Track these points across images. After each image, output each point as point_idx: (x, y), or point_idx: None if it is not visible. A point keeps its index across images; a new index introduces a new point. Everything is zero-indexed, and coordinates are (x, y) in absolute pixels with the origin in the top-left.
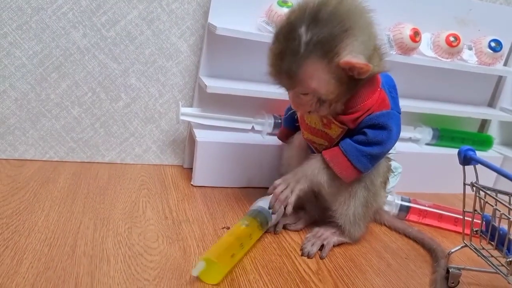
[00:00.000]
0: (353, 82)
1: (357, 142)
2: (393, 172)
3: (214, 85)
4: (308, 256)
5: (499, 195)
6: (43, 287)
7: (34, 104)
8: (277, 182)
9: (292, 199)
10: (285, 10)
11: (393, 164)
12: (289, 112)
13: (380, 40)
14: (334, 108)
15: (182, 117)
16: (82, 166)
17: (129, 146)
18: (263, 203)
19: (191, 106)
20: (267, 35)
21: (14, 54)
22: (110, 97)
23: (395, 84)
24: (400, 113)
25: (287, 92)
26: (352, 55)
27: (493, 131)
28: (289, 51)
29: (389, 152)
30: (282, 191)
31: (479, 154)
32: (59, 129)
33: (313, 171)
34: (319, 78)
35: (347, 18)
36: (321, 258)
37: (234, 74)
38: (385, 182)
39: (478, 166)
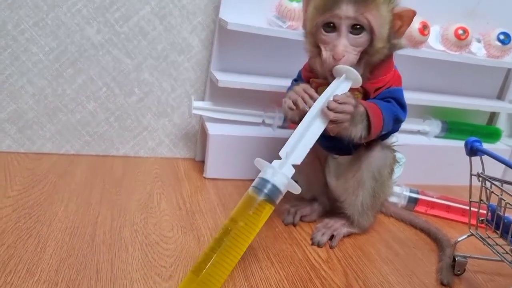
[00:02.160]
0: (387, 45)
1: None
2: (398, 162)
3: (226, 79)
4: (318, 245)
5: (504, 185)
6: (66, 273)
7: (51, 99)
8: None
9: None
10: (294, 5)
11: (397, 155)
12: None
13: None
14: (365, 68)
15: (194, 111)
16: (98, 159)
17: (143, 139)
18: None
19: (203, 100)
20: (277, 30)
21: (31, 50)
22: (124, 91)
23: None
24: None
25: (334, 32)
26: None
27: (501, 123)
28: None
29: (393, 143)
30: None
31: (488, 146)
32: (75, 123)
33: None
34: (381, 17)
35: None
36: (331, 247)
37: (245, 68)
38: (391, 172)
39: (486, 158)
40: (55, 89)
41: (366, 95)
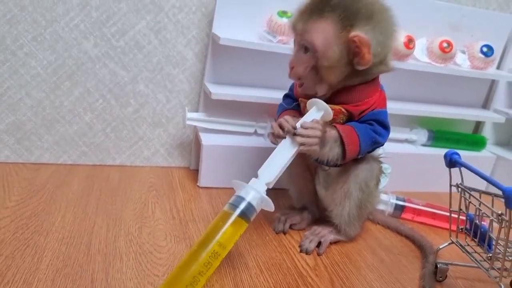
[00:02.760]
0: (351, 72)
1: (370, 128)
2: (383, 173)
3: (219, 91)
4: (306, 253)
5: (482, 195)
6: (62, 283)
7: (49, 111)
8: None
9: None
10: (284, 20)
11: (383, 165)
12: (294, 104)
13: (394, 49)
14: (322, 88)
15: (188, 122)
16: (94, 169)
17: (138, 149)
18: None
19: (197, 111)
20: (268, 44)
21: (29, 64)
22: (120, 103)
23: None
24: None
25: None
26: (364, 35)
27: (487, 131)
28: (315, 7)
29: (380, 154)
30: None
31: (473, 154)
32: (72, 134)
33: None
34: (325, 38)
35: (377, 10)
36: (318, 254)
37: (238, 80)
38: (378, 183)
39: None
40: (52, 101)
41: (351, 118)
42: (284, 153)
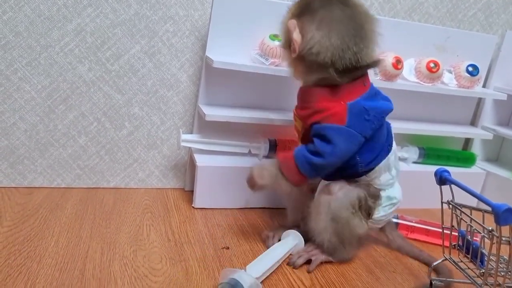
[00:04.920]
0: (303, 66)
1: (306, 149)
2: (376, 200)
3: (212, 113)
4: (294, 267)
5: (473, 211)
6: None
7: (43, 134)
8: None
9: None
10: (276, 43)
11: (389, 194)
12: None
13: (363, 60)
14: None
15: (183, 144)
16: (89, 192)
17: (133, 171)
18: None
19: (191, 132)
20: (260, 66)
21: (23, 89)
22: (115, 125)
23: (382, 110)
24: (361, 135)
25: None
26: (299, 32)
27: (476, 148)
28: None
29: (372, 180)
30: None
31: (464, 171)
32: (66, 157)
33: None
34: (284, 22)
35: (336, 18)
36: (308, 272)
37: (231, 101)
38: (358, 210)
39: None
40: (46, 124)
41: (305, 123)
42: (275, 253)
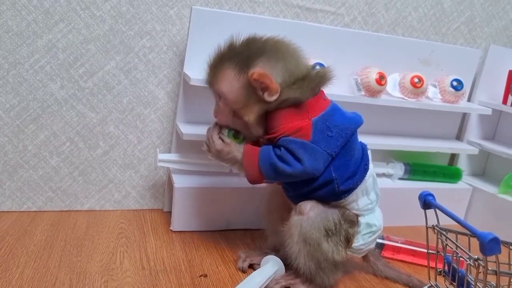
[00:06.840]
0: (267, 104)
1: (274, 152)
2: (352, 227)
3: (190, 132)
4: None
5: (459, 236)
6: None
7: (11, 155)
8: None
9: None
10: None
11: (368, 220)
12: None
13: (318, 73)
14: (253, 129)
15: (159, 164)
16: (61, 215)
17: (108, 192)
18: None
19: (169, 151)
20: None
21: None
22: (89, 145)
23: (345, 126)
24: (327, 152)
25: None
26: (260, 69)
27: (462, 163)
28: (217, 60)
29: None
30: None
31: (450, 186)
32: (37, 179)
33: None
34: (229, 84)
35: (270, 48)
36: None
37: (210, 119)
38: (330, 233)
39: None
40: (15, 145)
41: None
42: (253, 282)
